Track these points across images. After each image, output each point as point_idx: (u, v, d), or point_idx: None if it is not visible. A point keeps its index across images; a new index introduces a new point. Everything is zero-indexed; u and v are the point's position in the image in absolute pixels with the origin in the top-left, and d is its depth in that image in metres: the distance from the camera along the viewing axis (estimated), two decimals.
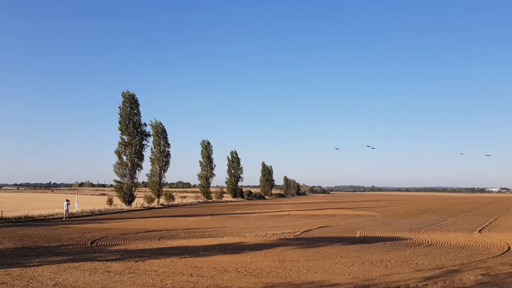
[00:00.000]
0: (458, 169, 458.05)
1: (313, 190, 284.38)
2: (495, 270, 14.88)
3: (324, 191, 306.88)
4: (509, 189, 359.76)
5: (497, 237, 25.39)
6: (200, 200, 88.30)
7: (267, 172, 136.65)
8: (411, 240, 23.96)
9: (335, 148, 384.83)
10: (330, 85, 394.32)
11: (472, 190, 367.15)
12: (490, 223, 36.27)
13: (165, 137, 72.60)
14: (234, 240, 23.37)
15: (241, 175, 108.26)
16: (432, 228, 31.63)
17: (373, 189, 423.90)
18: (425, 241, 23.71)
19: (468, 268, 15.19)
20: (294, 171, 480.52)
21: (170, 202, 72.93)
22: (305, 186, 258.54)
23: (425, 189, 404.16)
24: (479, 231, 29.36)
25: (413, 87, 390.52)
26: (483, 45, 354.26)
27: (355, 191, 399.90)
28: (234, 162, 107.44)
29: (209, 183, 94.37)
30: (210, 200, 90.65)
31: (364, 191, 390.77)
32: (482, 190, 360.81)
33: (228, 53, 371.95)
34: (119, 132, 59.29)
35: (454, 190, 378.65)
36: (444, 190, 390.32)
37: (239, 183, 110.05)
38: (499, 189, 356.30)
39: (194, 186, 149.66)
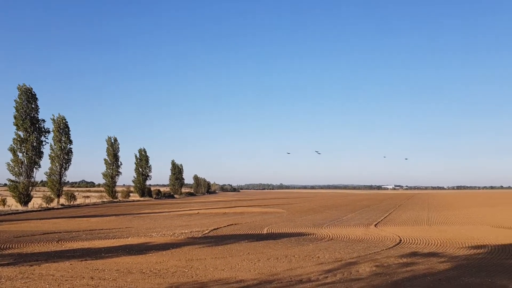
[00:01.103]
0: (358, 168, 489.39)
1: (223, 188, 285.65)
2: (388, 261, 16.11)
3: (234, 189, 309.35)
4: (402, 186, 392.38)
5: (391, 231, 27.54)
6: (105, 200, 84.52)
7: (177, 171, 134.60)
8: (314, 235, 25.10)
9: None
10: (244, 86, 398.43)
11: (370, 187, 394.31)
12: (385, 217, 39.22)
13: (67, 133, 68.47)
14: (140, 241, 22.70)
15: (150, 174, 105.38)
16: (334, 223, 33.42)
17: (281, 187, 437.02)
18: (327, 235, 24.97)
19: (364, 260, 16.26)
20: (205, 169, 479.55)
21: (72, 202, 69.10)
22: (216, 184, 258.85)
23: (328, 187, 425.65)
24: (375, 225, 31.60)
25: (322, 87, 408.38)
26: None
27: (264, 189, 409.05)
28: (143, 160, 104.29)
29: (114, 182, 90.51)
30: (115, 200, 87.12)
31: (273, 189, 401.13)
32: (379, 188, 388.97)
33: (140, 47, 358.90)
34: (15, 127, 54.89)
35: (354, 187, 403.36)
36: (345, 187, 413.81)
37: (148, 182, 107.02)
38: (393, 186, 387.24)
39: (99, 185, 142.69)
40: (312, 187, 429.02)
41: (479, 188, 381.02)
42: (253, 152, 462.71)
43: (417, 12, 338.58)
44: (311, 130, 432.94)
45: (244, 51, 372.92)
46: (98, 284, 12.36)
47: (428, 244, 21.23)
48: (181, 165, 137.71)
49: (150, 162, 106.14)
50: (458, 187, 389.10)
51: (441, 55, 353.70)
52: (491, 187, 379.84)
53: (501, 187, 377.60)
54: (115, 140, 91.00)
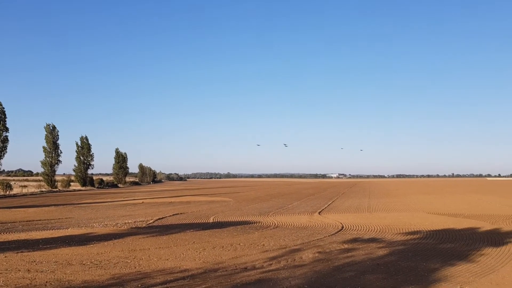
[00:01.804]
0: (303, 157, 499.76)
1: (169, 177, 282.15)
2: (330, 247, 16.60)
3: (181, 178, 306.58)
4: (345, 174, 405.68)
5: (334, 218, 28.39)
6: (44, 190, 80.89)
7: (121, 159, 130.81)
8: (260, 223, 25.38)
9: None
10: (190, 76, 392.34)
11: (315, 176, 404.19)
12: (328, 205, 40.34)
13: (3, 120, 64.55)
14: (81, 231, 21.94)
15: (92, 162, 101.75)
16: (279, 211, 33.96)
17: (228, 175, 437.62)
18: (272, 223, 25.34)
19: (308, 247, 16.66)
20: (151, 158, 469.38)
21: (8, 192, 65.71)
22: (162, 173, 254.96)
23: (275, 175, 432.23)
24: (319, 212, 32.44)
25: (269, 76, 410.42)
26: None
27: (211, 177, 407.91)
28: (84, 149, 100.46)
29: (54, 171, 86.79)
30: (55, 190, 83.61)
31: (220, 178, 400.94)
32: (323, 176, 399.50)
33: (80, 31, 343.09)
34: None
35: (300, 176, 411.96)
36: (291, 176, 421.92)
37: (90, 171, 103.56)
38: (337, 175, 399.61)
39: (37, 174, 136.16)
40: (259, 176, 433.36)
41: (417, 176, 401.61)
42: (200, 141, 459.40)
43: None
44: (259, 120, 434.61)
45: (183, 44, 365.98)
46: (35, 276, 11.83)
47: (368, 230, 22.11)
48: (125, 153, 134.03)
49: (93, 150, 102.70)
50: (398, 176, 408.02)
51: (386, 47, 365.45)
52: (428, 176, 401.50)
53: (437, 176, 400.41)
54: (54, 127, 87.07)
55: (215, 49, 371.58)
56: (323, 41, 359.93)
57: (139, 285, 10.81)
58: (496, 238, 18.81)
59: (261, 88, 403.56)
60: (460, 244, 17.23)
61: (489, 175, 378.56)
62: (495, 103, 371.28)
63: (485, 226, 23.19)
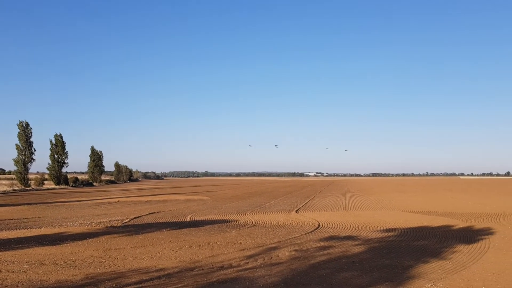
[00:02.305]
0: (281, 156, 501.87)
1: (146, 176, 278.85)
2: (306, 245, 16.70)
3: (158, 177, 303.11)
4: (323, 173, 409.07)
5: (310, 216, 28.59)
6: (16, 188, 79.19)
7: (96, 157, 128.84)
8: (237, 222, 25.38)
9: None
10: (169, 74, 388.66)
11: (293, 174, 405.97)
12: (305, 203, 40.60)
13: None
14: (54, 231, 21.49)
15: (66, 161, 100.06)
16: (257, 210, 34.01)
17: (206, 174, 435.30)
18: (250, 222, 25.36)
19: (285, 245, 16.73)
20: (127, 157, 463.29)
21: None
22: (138, 172, 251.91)
23: (253, 174, 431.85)
24: (296, 211, 32.62)
25: (250, 74, 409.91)
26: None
27: (189, 176, 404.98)
28: (58, 147, 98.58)
29: (27, 169, 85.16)
30: (28, 188, 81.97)
31: (198, 176, 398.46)
32: (301, 175, 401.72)
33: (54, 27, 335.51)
34: None
35: (278, 175, 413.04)
36: (269, 174, 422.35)
37: (64, 169, 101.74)
38: (315, 173, 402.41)
39: (10, 172, 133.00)
40: (237, 175, 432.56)
41: (392, 175, 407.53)
42: (178, 139, 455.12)
43: None
44: (240, 119, 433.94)
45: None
46: (6, 277, 11.55)
47: (344, 228, 22.35)
48: (101, 151, 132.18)
49: (67, 148, 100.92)
50: (374, 174, 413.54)
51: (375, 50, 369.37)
52: (403, 174, 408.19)
53: (412, 175, 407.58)
54: (27, 124, 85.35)
55: (200, 50, 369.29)
56: (310, 44, 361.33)
57: (114, 285, 10.66)
58: (468, 235, 19.26)
59: (243, 88, 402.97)
60: (434, 242, 17.59)
61: (462, 174, 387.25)
62: (468, 105, 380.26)
63: (458, 223, 23.72)
